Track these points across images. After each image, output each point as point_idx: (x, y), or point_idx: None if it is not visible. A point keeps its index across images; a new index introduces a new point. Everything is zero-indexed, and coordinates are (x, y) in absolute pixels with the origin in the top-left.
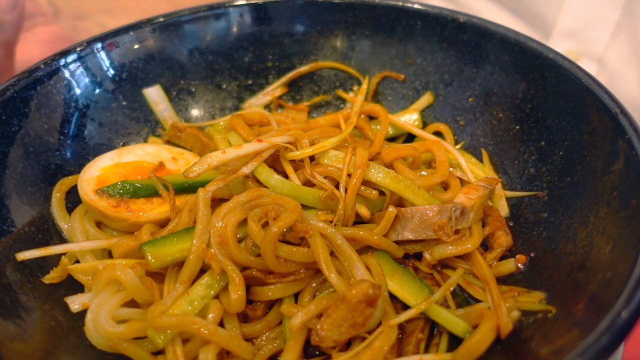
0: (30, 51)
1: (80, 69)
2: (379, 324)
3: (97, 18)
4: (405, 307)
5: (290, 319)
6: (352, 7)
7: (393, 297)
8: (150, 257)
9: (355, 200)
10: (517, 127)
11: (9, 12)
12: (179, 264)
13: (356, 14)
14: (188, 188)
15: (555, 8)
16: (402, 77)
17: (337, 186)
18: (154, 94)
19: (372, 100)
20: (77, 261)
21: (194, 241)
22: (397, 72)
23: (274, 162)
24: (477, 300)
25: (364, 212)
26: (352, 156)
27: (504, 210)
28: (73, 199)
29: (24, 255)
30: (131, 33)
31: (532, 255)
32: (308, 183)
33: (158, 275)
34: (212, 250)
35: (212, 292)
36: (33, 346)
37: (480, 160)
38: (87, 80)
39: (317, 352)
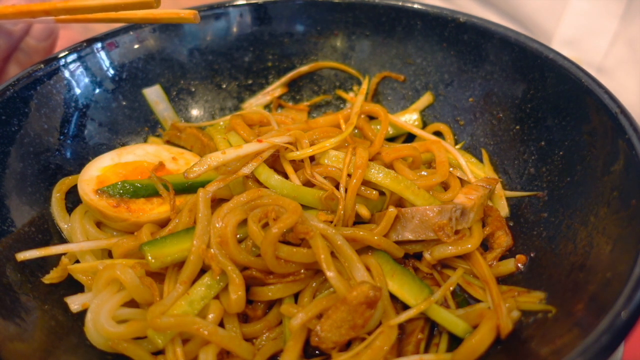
0: None
1: (80, 69)
2: (379, 324)
3: None
4: (405, 307)
5: (290, 319)
6: (352, 7)
7: (393, 297)
8: (150, 258)
9: (356, 200)
10: (517, 127)
11: (42, 40)
12: (179, 264)
13: (356, 14)
14: (188, 188)
15: (555, 17)
16: (402, 78)
17: (337, 186)
18: (154, 94)
19: (372, 100)
20: (77, 261)
21: (194, 241)
22: (397, 72)
23: (274, 162)
24: (477, 300)
25: (364, 212)
26: (352, 156)
27: (504, 210)
28: (73, 199)
29: (24, 255)
30: (131, 33)
31: (532, 255)
32: (308, 183)
33: (158, 275)
34: (212, 250)
35: (212, 293)
36: (33, 346)
37: (480, 160)
38: (87, 80)
39: (317, 352)
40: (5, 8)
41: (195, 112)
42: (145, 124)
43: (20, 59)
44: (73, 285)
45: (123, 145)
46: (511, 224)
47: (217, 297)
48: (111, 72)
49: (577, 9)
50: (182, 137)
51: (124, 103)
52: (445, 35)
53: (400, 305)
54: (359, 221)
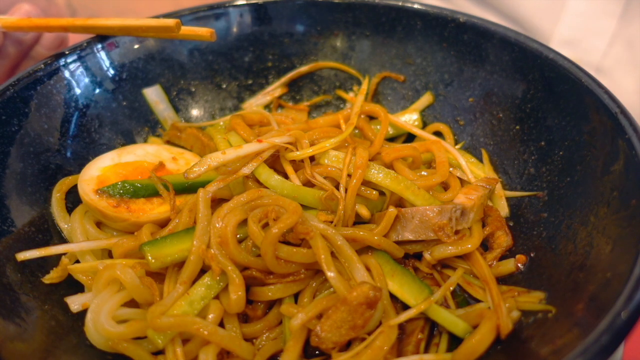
0: None
1: (80, 69)
2: (379, 324)
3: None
4: (405, 307)
5: (290, 319)
6: (352, 7)
7: (393, 297)
8: (150, 258)
9: (356, 200)
10: (517, 127)
11: (53, 49)
12: (179, 264)
13: (356, 14)
14: (188, 188)
15: (553, 18)
16: (402, 78)
17: (337, 186)
18: (154, 94)
19: (372, 100)
20: (77, 261)
21: (194, 242)
22: (397, 72)
23: (274, 162)
24: (477, 300)
25: (364, 212)
26: (352, 156)
27: (504, 210)
28: (73, 199)
29: (24, 256)
30: None
31: (532, 255)
32: (308, 183)
33: (158, 275)
34: (212, 250)
35: (212, 293)
36: (33, 346)
37: (480, 160)
38: (87, 80)
39: (317, 352)
40: (21, 21)
41: (195, 112)
42: (145, 124)
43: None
44: (73, 285)
45: (123, 145)
46: (511, 224)
47: (217, 297)
48: (111, 72)
49: (575, 10)
50: (182, 137)
51: (124, 103)
52: (445, 35)
53: (400, 305)
54: (359, 221)
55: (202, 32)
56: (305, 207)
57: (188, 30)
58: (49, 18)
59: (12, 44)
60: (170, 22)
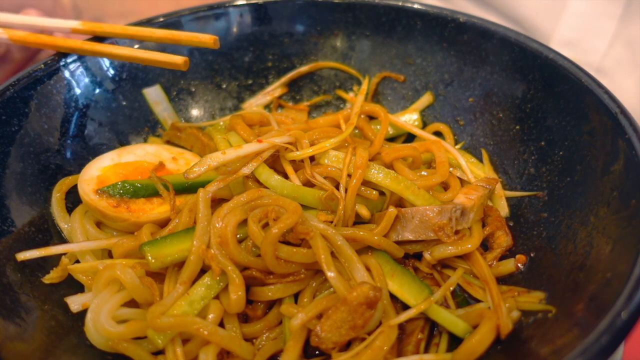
0: None
1: (80, 69)
2: (379, 324)
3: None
4: (405, 307)
5: (290, 319)
6: (352, 7)
7: (393, 297)
8: (150, 258)
9: (356, 200)
10: (517, 127)
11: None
12: (179, 264)
13: (356, 14)
14: (188, 188)
15: (554, 19)
16: (402, 78)
17: (337, 186)
18: (154, 94)
19: (372, 100)
20: (77, 261)
21: (194, 242)
22: (397, 72)
23: (274, 162)
24: (477, 300)
25: (364, 212)
26: (352, 156)
27: (504, 210)
28: (73, 199)
29: (24, 256)
30: None
31: (532, 255)
32: (308, 183)
33: (158, 275)
34: (212, 250)
35: (212, 293)
36: (33, 346)
37: (480, 160)
38: (87, 80)
39: (317, 352)
40: (29, 36)
41: (195, 112)
42: (145, 124)
43: None
44: (73, 285)
45: (123, 145)
46: (511, 224)
47: (217, 297)
48: (111, 72)
49: (575, 10)
50: (182, 137)
51: (124, 103)
52: (445, 35)
53: (400, 305)
54: (359, 221)
55: (206, 39)
56: (305, 207)
57: (191, 36)
58: (57, 37)
59: (18, 49)
60: (179, 59)
